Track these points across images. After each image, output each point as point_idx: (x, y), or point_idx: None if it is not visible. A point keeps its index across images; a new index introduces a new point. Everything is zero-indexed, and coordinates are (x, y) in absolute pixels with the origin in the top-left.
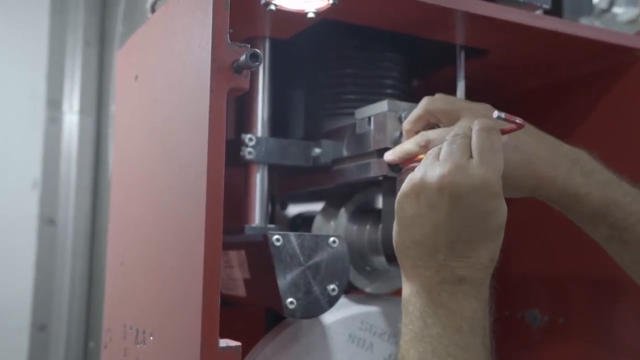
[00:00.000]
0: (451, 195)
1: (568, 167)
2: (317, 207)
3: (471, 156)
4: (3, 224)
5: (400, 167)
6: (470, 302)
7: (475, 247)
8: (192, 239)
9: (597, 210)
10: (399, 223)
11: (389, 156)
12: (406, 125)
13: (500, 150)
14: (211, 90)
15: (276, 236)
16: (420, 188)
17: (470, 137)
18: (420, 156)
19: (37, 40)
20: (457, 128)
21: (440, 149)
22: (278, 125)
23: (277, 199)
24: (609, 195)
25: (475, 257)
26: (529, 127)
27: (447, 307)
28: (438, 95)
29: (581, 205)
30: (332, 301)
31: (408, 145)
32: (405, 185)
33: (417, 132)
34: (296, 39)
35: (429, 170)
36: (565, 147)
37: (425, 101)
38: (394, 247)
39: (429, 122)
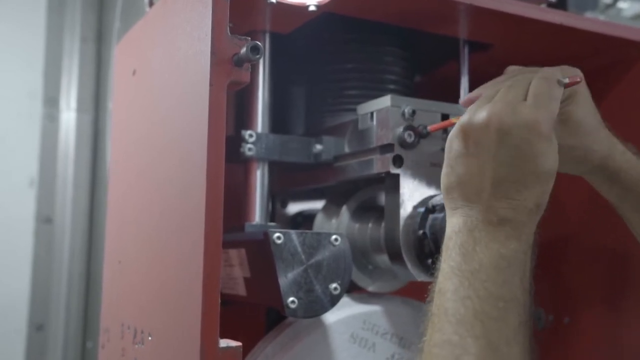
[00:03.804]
0: (498, 131)
1: (622, 146)
2: (317, 205)
3: (525, 100)
4: (0, 223)
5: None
6: (511, 242)
7: (520, 189)
8: (192, 237)
9: None
10: (447, 164)
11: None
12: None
13: (557, 99)
14: (211, 84)
15: (277, 234)
16: (469, 127)
17: (528, 85)
18: (453, 120)
19: (34, 37)
20: (520, 76)
21: (493, 93)
22: (278, 121)
23: (277, 196)
24: None
25: (519, 200)
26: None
27: (486, 246)
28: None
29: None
30: (334, 300)
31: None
32: (455, 127)
33: None
34: (296, 34)
35: (479, 109)
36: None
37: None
38: (442, 189)
39: None
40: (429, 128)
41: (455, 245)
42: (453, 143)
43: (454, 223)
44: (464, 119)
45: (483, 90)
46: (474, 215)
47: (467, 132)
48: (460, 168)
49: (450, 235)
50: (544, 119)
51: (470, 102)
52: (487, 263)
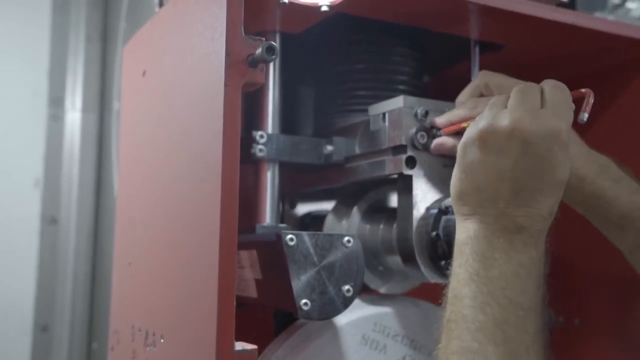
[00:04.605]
0: (522, 141)
1: (597, 171)
2: (325, 206)
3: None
4: (5, 223)
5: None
6: (529, 250)
7: (538, 198)
8: (207, 239)
9: (626, 214)
10: (461, 170)
11: (439, 119)
12: (460, 97)
13: (572, 108)
14: (226, 85)
15: (290, 235)
16: (489, 134)
17: (539, 92)
18: (463, 124)
19: (39, 37)
20: (526, 85)
21: (503, 99)
22: (287, 121)
23: (286, 197)
24: (638, 200)
25: (536, 208)
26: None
27: (505, 253)
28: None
29: (609, 208)
30: (347, 302)
31: (459, 110)
32: (471, 131)
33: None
34: (306, 34)
35: (499, 116)
36: (595, 154)
37: (483, 73)
38: (452, 194)
39: (482, 95)
40: (442, 131)
41: (473, 252)
42: (469, 148)
43: (468, 228)
44: (483, 125)
45: (466, 96)
46: (490, 222)
47: (487, 139)
48: (477, 175)
49: (465, 240)
50: (565, 128)
51: (450, 116)
52: (506, 271)
